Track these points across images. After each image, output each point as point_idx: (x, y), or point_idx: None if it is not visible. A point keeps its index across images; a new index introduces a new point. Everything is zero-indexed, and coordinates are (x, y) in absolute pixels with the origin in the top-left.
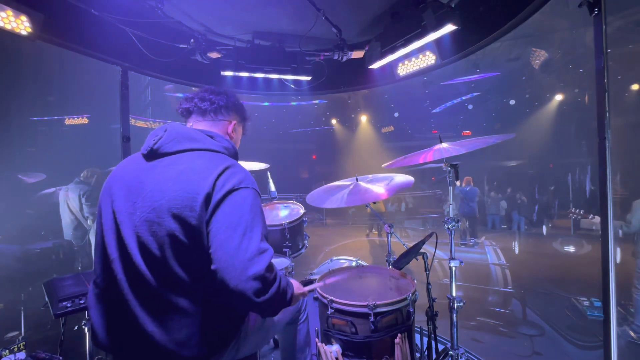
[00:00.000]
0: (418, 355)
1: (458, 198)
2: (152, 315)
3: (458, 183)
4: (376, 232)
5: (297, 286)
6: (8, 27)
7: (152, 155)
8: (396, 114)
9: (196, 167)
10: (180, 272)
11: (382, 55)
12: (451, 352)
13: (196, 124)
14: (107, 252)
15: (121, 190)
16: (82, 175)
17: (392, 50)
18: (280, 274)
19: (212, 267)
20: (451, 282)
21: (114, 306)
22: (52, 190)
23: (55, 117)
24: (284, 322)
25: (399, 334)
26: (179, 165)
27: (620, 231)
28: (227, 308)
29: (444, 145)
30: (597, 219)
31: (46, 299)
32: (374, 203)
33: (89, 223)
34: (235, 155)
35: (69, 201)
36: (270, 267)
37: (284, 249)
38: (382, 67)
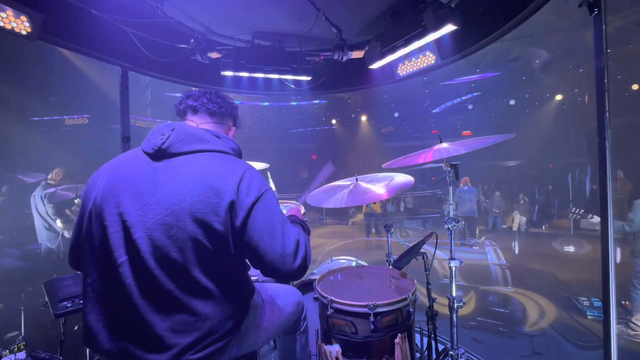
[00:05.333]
0: (418, 355)
1: (457, 198)
2: (163, 318)
3: (461, 184)
4: (376, 234)
5: (299, 215)
6: (8, 27)
7: (160, 154)
8: (396, 114)
9: (213, 170)
10: (200, 275)
11: (382, 55)
12: (451, 352)
13: (203, 124)
14: (113, 256)
15: (128, 192)
16: (49, 176)
17: (392, 50)
18: (305, 240)
19: (263, 267)
20: (451, 282)
21: (119, 310)
22: (52, 190)
23: (55, 117)
24: (284, 325)
25: (399, 334)
26: (194, 167)
27: (623, 230)
28: (234, 308)
29: (444, 145)
30: (597, 218)
31: (46, 299)
32: (374, 203)
33: (58, 224)
34: (240, 156)
35: (37, 205)
36: (305, 246)
37: None
38: (382, 67)
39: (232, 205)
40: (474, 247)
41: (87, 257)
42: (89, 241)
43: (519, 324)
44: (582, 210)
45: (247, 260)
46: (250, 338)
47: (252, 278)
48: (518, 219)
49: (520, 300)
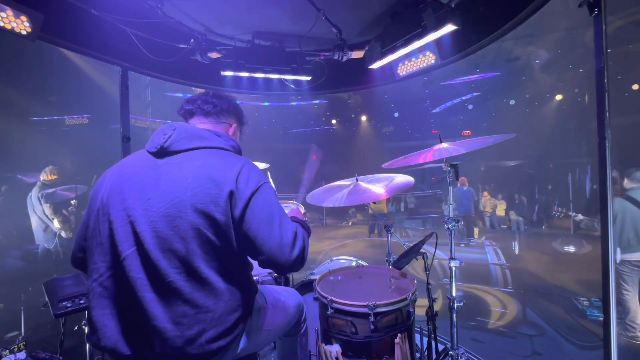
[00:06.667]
0: (418, 355)
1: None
2: (166, 310)
3: (458, 185)
4: (377, 234)
5: (300, 216)
6: (8, 27)
7: (162, 153)
8: (396, 114)
9: (213, 164)
10: (203, 267)
11: (382, 55)
12: (451, 352)
13: (200, 124)
14: (118, 250)
15: (133, 188)
16: (42, 177)
17: (392, 50)
18: (302, 233)
19: (262, 257)
20: (451, 282)
21: (123, 304)
22: (51, 190)
23: (55, 117)
24: (285, 327)
25: (399, 334)
26: (194, 162)
27: (595, 228)
28: (236, 303)
29: (444, 145)
30: (580, 216)
31: (46, 299)
32: (374, 203)
33: (55, 225)
34: (240, 153)
35: (34, 206)
36: (303, 238)
37: None
38: (382, 67)
39: (232, 195)
40: (473, 247)
41: (94, 254)
42: (96, 238)
43: (519, 324)
44: (564, 209)
45: (249, 258)
46: (253, 339)
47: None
48: (515, 219)
49: (520, 301)
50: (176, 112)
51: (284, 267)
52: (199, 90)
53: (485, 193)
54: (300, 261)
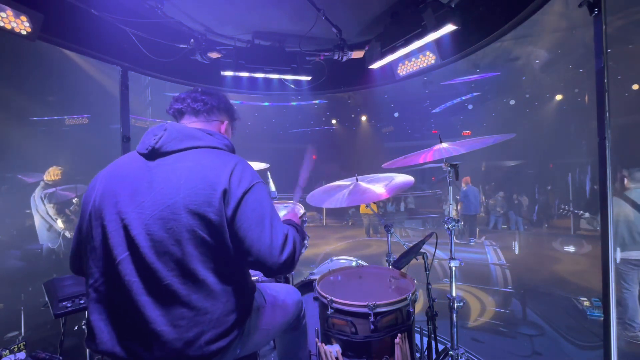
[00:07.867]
0: (418, 355)
1: (463, 198)
2: (163, 313)
3: (463, 186)
4: (375, 234)
5: (296, 219)
6: (8, 27)
7: (154, 154)
8: (396, 114)
9: (206, 164)
10: (199, 269)
11: (382, 55)
12: (451, 352)
13: (191, 124)
14: (112, 255)
15: (125, 191)
16: (45, 177)
17: (392, 50)
18: (294, 236)
19: (250, 259)
20: (451, 282)
21: (120, 308)
22: (51, 190)
23: (55, 117)
24: (285, 324)
25: (399, 334)
26: (186, 163)
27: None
28: (234, 304)
29: (444, 145)
30: (587, 215)
31: (46, 299)
32: (374, 204)
33: (59, 225)
34: (233, 152)
35: (37, 206)
36: (293, 242)
37: None
38: (382, 67)
39: (225, 194)
40: (472, 244)
41: (89, 259)
42: (90, 242)
43: (519, 324)
44: (569, 208)
45: None
46: (253, 339)
47: (252, 278)
48: (513, 218)
49: (520, 301)
50: (166, 111)
51: (272, 270)
52: None
53: (501, 193)
54: (289, 265)
